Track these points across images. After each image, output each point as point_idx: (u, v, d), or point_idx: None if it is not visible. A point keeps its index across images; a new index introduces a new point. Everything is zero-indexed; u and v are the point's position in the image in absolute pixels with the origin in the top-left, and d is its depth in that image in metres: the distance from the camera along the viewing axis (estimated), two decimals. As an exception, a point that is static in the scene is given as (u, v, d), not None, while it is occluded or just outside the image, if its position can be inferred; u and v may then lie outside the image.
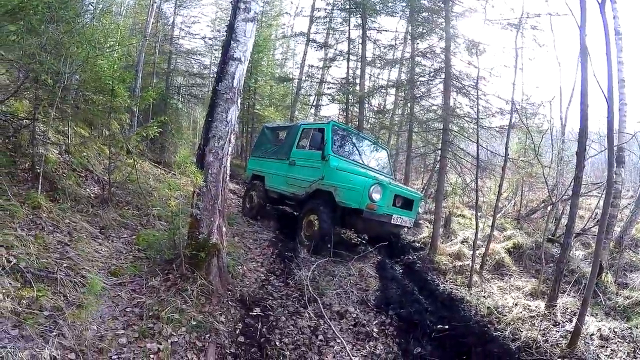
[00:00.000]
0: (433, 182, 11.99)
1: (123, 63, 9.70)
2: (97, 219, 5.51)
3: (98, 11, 8.88)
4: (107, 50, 7.20)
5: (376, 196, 5.90)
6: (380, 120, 15.40)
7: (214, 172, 3.80)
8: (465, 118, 8.01)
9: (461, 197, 12.83)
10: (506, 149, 6.21)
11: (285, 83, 17.41)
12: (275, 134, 9.29)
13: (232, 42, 3.83)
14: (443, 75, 7.90)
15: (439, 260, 6.66)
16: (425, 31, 9.22)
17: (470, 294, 5.12)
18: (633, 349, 3.58)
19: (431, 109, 10.01)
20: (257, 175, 8.70)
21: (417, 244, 7.93)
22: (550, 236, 8.27)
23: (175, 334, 3.06)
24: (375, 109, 15.76)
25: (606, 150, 5.17)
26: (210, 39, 18.12)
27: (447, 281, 5.83)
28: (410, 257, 6.94)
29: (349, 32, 14.61)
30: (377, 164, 7.92)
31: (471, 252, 6.14)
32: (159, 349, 2.87)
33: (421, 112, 10.83)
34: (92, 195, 6.47)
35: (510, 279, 6.19)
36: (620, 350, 3.53)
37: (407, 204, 6.60)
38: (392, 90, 16.04)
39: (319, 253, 6.11)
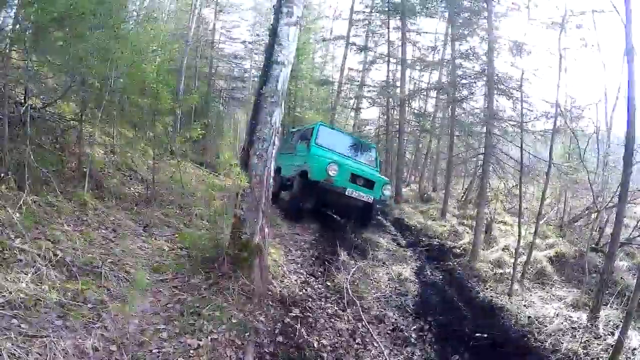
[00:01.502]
0: (474, 187, 11.76)
1: (166, 67, 9.99)
2: (141, 217, 5.71)
3: (141, 17, 9.22)
4: (151, 55, 7.47)
5: (332, 172, 7.44)
6: (421, 123, 15.28)
7: (258, 174, 3.87)
8: (508, 121, 7.83)
9: (503, 203, 12.50)
10: (550, 153, 6.02)
11: (325, 86, 17.52)
12: (293, 134, 11.05)
13: (275, 46, 3.90)
14: (485, 78, 7.80)
15: (479, 267, 6.54)
16: (466, 32, 9.07)
17: (511, 302, 4.99)
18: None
19: (473, 112, 9.86)
20: (279, 168, 9.56)
21: (458, 250, 7.80)
22: (593, 245, 7.96)
23: (215, 331, 3.14)
24: (416, 111, 15.65)
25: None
26: (250, 42, 18.46)
27: (487, 289, 5.70)
28: (450, 263, 6.85)
29: (388, 35, 14.60)
30: (360, 156, 9.58)
31: (512, 260, 5.99)
32: (199, 345, 2.95)
33: (463, 115, 10.69)
34: (136, 194, 6.71)
35: (551, 288, 6.00)
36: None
37: (368, 183, 8.02)
38: (433, 93, 15.90)
39: (291, 219, 8.16)
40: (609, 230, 8.67)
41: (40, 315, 2.79)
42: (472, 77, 8.84)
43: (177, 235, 5.50)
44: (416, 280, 5.74)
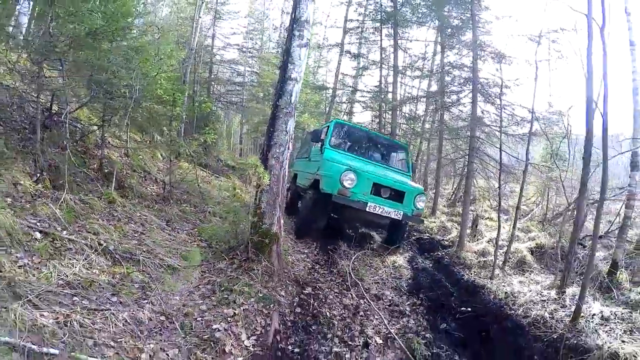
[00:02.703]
0: (462, 186, 12.45)
1: (175, 75, 10.61)
2: (163, 214, 6.33)
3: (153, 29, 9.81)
4: (165, 66, 8.07)
5: (348, 182, 6.18)
6: (412, 126, 15.96)
7: (276, 174, 4.57)
8: (490, 126, 8.54)
9: (490, 201, 13.25)
10: (527, 154, 6.75)
11: (320, 91, 18.17)
12: (309, 136, 9.62)
13: (289, 64, 4.59)
14: (471, 86, 8.47)
15: (465, 257, 7.24)
16: (454, 44, 9.78)
17: (492, 283, 5.70)
18: (630, 328, 4.11)
19: (461, 116, 10.52)
20: (295, 175, 9.35)
21: (446, 242, 8.51)
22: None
23: (245, 303, 3.80)
24: (407, 115, 16.34)
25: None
26: (247, 48, 19.08)
27: (471, 273, 6.41)
28: (439, 253, 7.55)
29: (381, 42, 15.26)
30: (387, 159, 8.22)
31: (490, 245, 6.72)
32: (234, 313, 3.60)
33: (451, 119, 11.36)
34: (153, 193, 7.32)
35: (530, 274, 6.67)
36: (618, 328, 4.06)
37: (396, 195, 6.64)
38: (424, 98, 16.58)
39: (301, 236, 7.10)
40: (588, 224, 9.51)
41: (96, 293, 3.37)
42: (459, 84, 9.53)
43: (195, 229, 6.15)
44: (409, 267, 6.47)
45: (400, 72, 14.91)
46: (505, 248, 7.26)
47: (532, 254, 7.66)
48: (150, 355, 2.77)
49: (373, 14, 15.19)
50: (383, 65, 15.29)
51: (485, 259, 7.12)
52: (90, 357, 2.50)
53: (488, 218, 11.73)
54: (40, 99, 6.66)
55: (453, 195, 14.39)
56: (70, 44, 5.29)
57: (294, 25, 4.64)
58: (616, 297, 5.59)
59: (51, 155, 5.74)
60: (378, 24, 15.00)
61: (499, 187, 7.08)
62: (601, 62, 4.55)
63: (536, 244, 8.04)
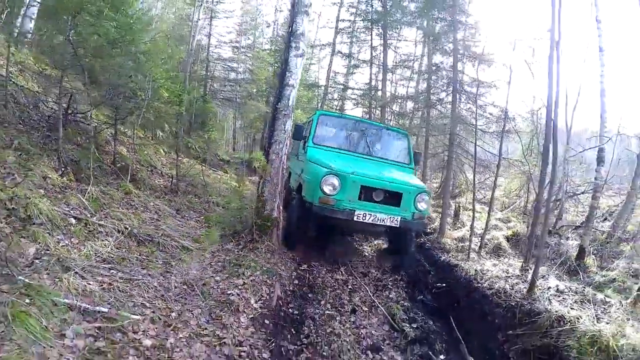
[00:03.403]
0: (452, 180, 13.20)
1: (178, 75, 11.29)
2: (172, 203, 7.02)
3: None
4: (170, 69, 8.75)
5: (329, 189, 5.30)
6: (400, 122, 16.66)
7: (276, 167, 5.30)
8: (468, 124, 9.27)
9: (474, 193, 14.02)
10: (500, 150, 7.49)
11: (312, 89, 18.83)
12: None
13: (287, 72, 5.30)
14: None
15: (445, 242, 7.98)
16: (437, 48, 10.46)
17: (465, 263, 6.43)
18: (581, 299, 4.85)
19: (446, 114, 11.20)
20: (290, 174, 8.14)
21: (429, 230, 9.23)
22: (550, 228, 9.47)
23: (252, 275, 4.50)
24: (396, 112, 17.01)
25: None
26: (243, 47, 19.66)
27: (449, 257, 7.13)
28: (421, 239, 8.26)
29: (371, 41, 15.86)
30: (384, 152, 7.06)
31: (469, 233, 7.47)
32: (244, 282, 4.30)
33: (438, 117, 12.03)
34: (161, 185, 8.00)
35: (504, 258, 7.39)
36: (570, 299, 4.80)
37: (391, 197, 5.61)
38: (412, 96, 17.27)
39: (290, 247, 5.92)
40: (567, 216, 10.35)
41: (129, 267, 4.06)
42: (443, 85, 10.25)
43: (202, 217, 6.85)
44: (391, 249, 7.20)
45: (389, 70, 15.55)
46: (484, 235, 8.02)
47: (508, 241, 8.40)
48: (178, 314, 3.45)
49: (364, 15, 15.83)
50: (373, 64, 15.96)
51: (463, 244, 7.85)
52: (133, 314, 3.17)
53: (471, 209, 12.49)
54: (51, 99, 7.37)
55: (440, 189, 15.15)
56: (92, 53, 5.94)
57: (291, 38, 5.34)
58: (582, 279, 6.33)
59: (70, 152, 6.40)
60: (369, 24, 15.63)
61: (473, 179, 7.80)
62: (555, 70, 5.21)
63: (512, 232, 8.79)
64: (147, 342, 2.89)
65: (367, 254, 6.92)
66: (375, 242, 7.47)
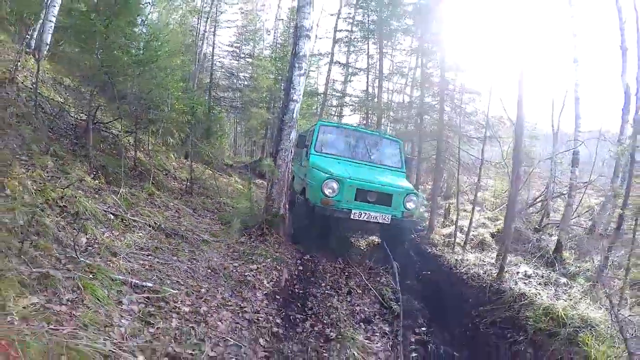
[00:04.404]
0: (441, 182, 14.00)
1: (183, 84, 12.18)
2: (189, 204, 7.84)
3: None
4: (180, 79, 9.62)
5: (329, 191, 6.14)
6: (397, 129, 17.46)
7: (282, 170, 6.18)
8: (454, 130, 10.12)
9: (468, 194, 14.85)
10: (482, 153, 8.33)
11: (311, 97, 19.65)
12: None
13: (291, 89, 6.16)
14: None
15: (433, 238, 8.81)
16: (429, 61, 11.31)
17: (449, 255, 7.26)
18: (545, 282, 5.68)
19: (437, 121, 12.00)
20: (293, 177, 8.99)
21: (420, 227, 10.05)
22: (537, 226, 10.30)
23: (263, 262, 5.36)
24: (392, 117, 17.80)
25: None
26: (246, 55, 20.50)
27: (436, 250, 7.97)
28: (412, 235, 9.05)
29: (368, 50, 16.73)
30: (378, 157, 7.90)
31: (460, 234, 8.28)
32: (257, 267, 5.15)
33: (432, 123, 12.83)
34: (177, 187, 8.83)
35: (488, 253, 8.19)
36: (534, 282, 5.64)
37: (383, 198, 6.46)
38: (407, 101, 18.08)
39: (296, 242, 6.75)
40: (553, 214, 11.17)
41: (162, 254, 4.87)
42: (434, 93, 11.10)
43: (215, 216, 7.67)
44: (385, 244, 8.00)
45: (385, 78, 16.40)
46: (471, 232, 8.83)
47: (493, 237, 9.21)
48: (207, 290, 4.27)
49: (360, 25, 16.64)
50: (370, 72, 16.81)
51: (450, 239, 8.68)
52: (172, 289, 3.99)
53: (462, 210, 13.32)
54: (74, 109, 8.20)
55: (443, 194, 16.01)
56: (119, 71, 6.80)
57: (294, 59, 6.21)
58: (557, 269, 7.12)
59: (98, 157, 7.22)
60: (365, 33, 16.44)
61: (457, 181, 8.63)
62: (522, 95, 6.06)
63: (497, 229, 9.60)
64: (186, 309, 3.69)
65: (362, 247, 7.73)
66: (370, 238, 8.25)
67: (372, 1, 15.11)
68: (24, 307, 2.67)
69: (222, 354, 3.24)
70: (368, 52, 16.84)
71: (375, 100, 15.57)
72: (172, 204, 7.27)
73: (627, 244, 5.96)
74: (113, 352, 2.69)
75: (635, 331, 4.05)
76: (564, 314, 4.44)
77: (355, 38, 17.47)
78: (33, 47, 8.97)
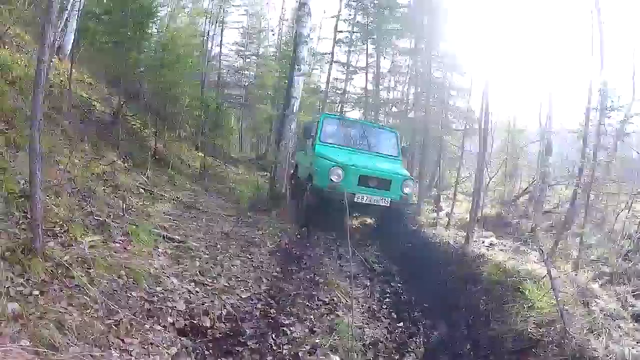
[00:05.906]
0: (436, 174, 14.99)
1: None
2: (203, 186, 8.95)
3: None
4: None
5: (335, 177, 6.83)
6: (393, 123, 18.42)
7: (284, 156, 7.32)
8: (442, 126, 11.15)
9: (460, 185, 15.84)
10: (462, 147, 9.36)
11: (313, 94, 20.59)
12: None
13: (291, 87, 7.32)
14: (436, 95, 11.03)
15: (419, 219, 9.82)
16: (425, 64, 12.32)
17: (429, 230, 8.29)
18: (505, 249, 6.71)
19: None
20: (297, 165, 9.95)
21: (409, 211, 11.05)
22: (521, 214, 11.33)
23: (267, 230, 6.49)
24: (390, 111, 18.71)
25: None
26: (252, 54, 21.54)
27: (421, 229, 8.97)
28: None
29: (367, 49, 17.60)
30: (377, 147, 8.52)
31: (446, 218, 9.27)
32: (262, 233, 6.28)
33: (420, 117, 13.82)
34: (191, 173, 9.96)
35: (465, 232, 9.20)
36: (497, 249, 6.67)
37: (383, 183, 7.19)
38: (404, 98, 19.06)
39: (304, 226, 7.38)
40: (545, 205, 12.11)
41: (185, 220, 5.99)
42: (421, 91, 12.13)
43: (226, 196, 8.78)
44: (375, 224, 9.04)
45: (384, 76, 17.36)
46: (454, 215, 9.81)
47: (477, 221, 10.21)
48: (221, 246, 5.35)
49: (359, 25, 17.52)
50: (369, 71, 17.73)
51: (434, 221, 9.70)
52: (194, 242, 5.07)
53: (454, 200, 14.32)
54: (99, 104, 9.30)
55: (427, 181, 17.00)
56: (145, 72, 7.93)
57: (295, 62, 7.30)
58: (530, 246, 8.08)
59: (124, 145, 8.31)
60: (365, 34, 17.33)
61: (439, 172, 9.67)
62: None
63: (482, 214, 10.62)
64: (206, 256, 4.78)
65: (354, 226, 8.79)
66: (364, 219, 9.27)
67: (369, 4, 15.95)
68: (90, 241, 3.72)
69: (234, 285, 4.31)
70: (367, 52, 17.69)
71: (371, 101, 16.54)
72: (188, 185, 8.40)
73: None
74: (156, 274, 3.77)
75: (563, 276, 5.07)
76: (512, 268, 5.45)
77: (355, 38, 18.32)
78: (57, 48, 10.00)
